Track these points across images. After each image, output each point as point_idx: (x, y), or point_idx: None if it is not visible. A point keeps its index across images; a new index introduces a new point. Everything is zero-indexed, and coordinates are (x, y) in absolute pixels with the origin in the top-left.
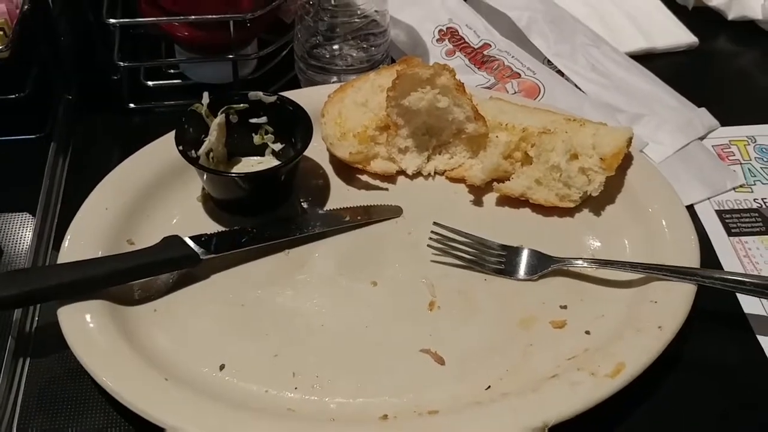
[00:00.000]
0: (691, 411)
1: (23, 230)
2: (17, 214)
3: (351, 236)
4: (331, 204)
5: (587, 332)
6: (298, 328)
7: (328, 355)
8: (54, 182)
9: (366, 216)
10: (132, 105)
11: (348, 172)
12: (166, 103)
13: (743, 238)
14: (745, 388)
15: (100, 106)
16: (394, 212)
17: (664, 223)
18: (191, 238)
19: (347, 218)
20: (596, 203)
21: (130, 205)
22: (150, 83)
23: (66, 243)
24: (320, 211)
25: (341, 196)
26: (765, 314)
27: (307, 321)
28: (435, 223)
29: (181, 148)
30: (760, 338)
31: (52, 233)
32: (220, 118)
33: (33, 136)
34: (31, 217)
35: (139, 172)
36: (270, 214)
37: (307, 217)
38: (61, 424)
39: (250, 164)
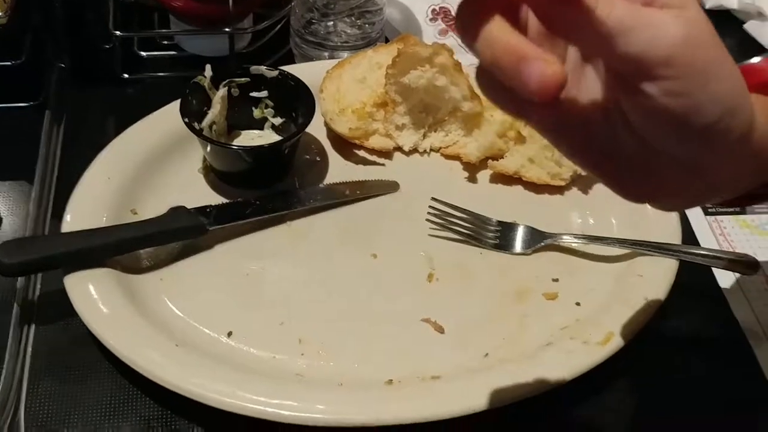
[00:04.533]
0: (670, 380)
1: (21, 198)
2: (15, 182)
3: (349, 210)
4: (330, 178)
5: (578, 303)
6: (302, 297)
7: (332, 324)
8: (50, 151)
9: (364, 190)
10: (126, 75)
11: (346, 147)
12: (160, 74)
13: (719, 218)
14: (719, 356)
15: (94, 75)
16: (391, 187)
17: None
18: (197, 209)
19: (346, 192)
20: (585, 182)
21: (132, 175)
22: (144, 54)
23: (69, 211)
24: (320, 185)
25: (339, 170)
26: (738, 287)
27: (310, 291)
28: (433, 199)
29: (186, 119)
30: (734, 309)
31: (50, 202)
32: (222, 91)
33: (28, 104)
34: (28, 185)
35: (141, 143)
36: (271, 186)
37: (307, 190)
38: (70, 390)
39: (250, 137)
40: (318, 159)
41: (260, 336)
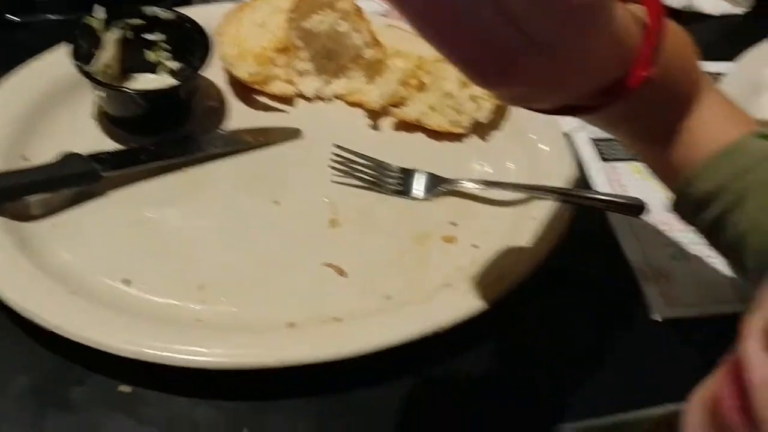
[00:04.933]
0: (564, 319)
1: None
2: None
3: (250, 157)
4: (230, 125)
5: (475, 246)
6: (201, 244)
7: (233, 270)
8: None
9: (265, 137)
10: (12, 17)
11: (247, 93)
12: (51, 16)
13: (614, 164)
14: (610, 295)
15: None
16: (293, 134)
17: (544, 147)
18: (90, 155)
19: (247, 139)
20: (484, 129)
21: (22, 120)
22: None
23: None
24: (219, 132)
25: (240, 117)
26: (629, 230)
27: (210, 238)
28: (336, 146)
29: (77, 62)
30: (625, 251)
31: None
32: (115, 32)
33: None
34: None
35: (31, 87)
36: (168, 133)
37: (207, 137)
38: None
39: (144, 82)
40: (217, 105)
41: (158, 283)
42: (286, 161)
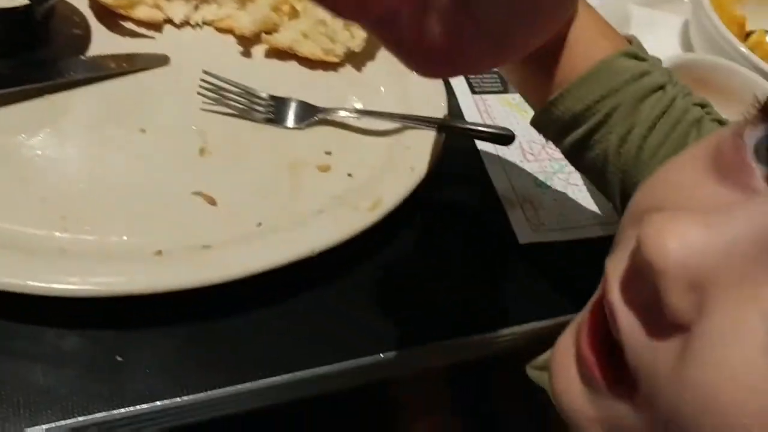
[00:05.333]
0: (434, 243)
1: None
2: None
3: (115, 84)
4: (94, 50)
5: (349, 174)
6: (64, 172)
7: (98, 199)
8: None
9: (130, 64)
10: None
11: (111, 18)
12: None
13: (484, 96)
14: (478, 222)
15: None
16: (160, 61)
17: (417, 78)
18: None
19: (111, 65)
20: (359, 59)
21: None
22: None
23: None
24: (82, 57)
25: (104, 43)
26: (497, 159)
27: (73, 166)
28: (205, 72)
29: None
30: (492, 177)
31: None
32: None
33: None
34: None
35: None
36: (26, 57)
37: (68, 62)
38: None
39: None
40: (79, 31)
41: (18, 212)
42: (153, 88)
